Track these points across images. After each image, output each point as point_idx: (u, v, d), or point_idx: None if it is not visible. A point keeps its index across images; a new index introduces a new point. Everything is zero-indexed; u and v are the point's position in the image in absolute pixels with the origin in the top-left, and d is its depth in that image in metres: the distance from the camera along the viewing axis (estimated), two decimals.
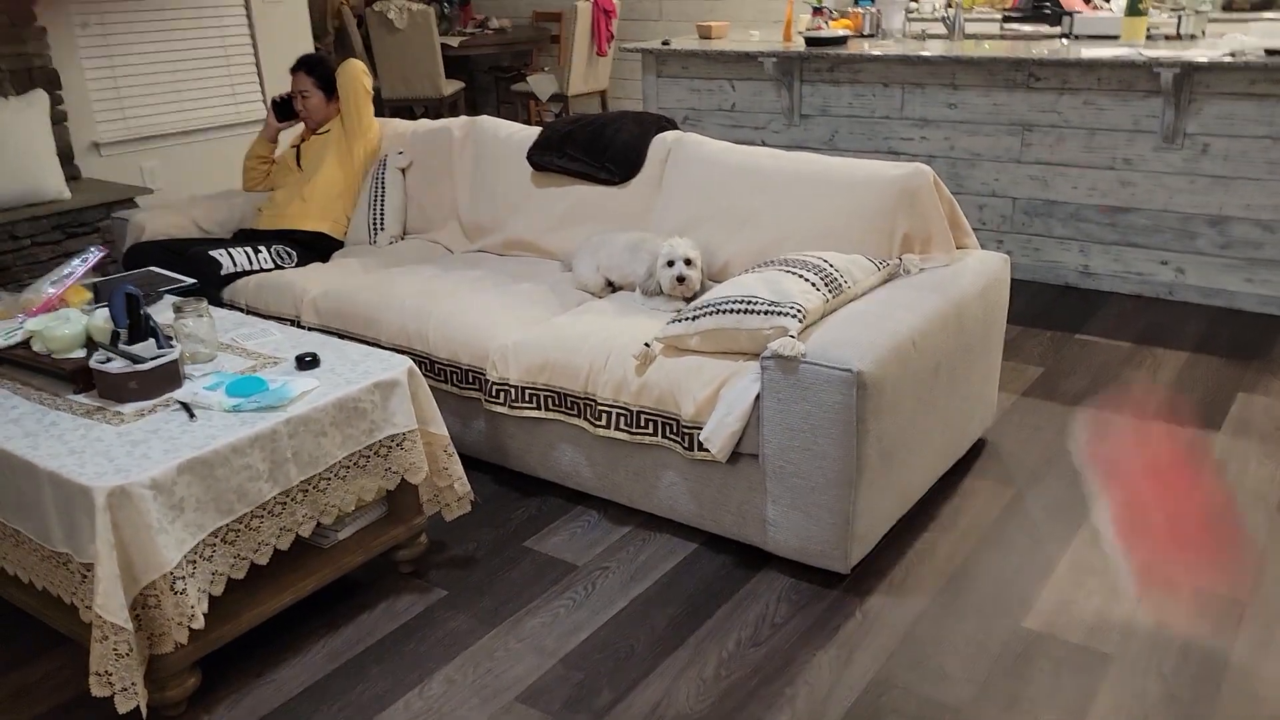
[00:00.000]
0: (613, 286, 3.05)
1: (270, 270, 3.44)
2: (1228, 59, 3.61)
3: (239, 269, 3.40)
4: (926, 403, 2.48)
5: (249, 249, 3.47)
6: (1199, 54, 3.75)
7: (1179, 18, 4.31)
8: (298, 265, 3.53)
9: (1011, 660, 2.11)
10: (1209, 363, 3.46)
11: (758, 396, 2.32)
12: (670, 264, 2.79)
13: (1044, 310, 4.02)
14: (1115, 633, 2.18)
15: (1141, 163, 3.98)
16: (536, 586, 2.41)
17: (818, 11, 4.90)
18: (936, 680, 2.06)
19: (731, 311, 2.38)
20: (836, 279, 2.50)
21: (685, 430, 2.41)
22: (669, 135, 3.25)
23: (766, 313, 2.33)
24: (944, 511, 2.66)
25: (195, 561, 1.95)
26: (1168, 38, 4.28)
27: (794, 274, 2.46)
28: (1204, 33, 4.30)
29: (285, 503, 2.12)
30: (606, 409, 2.54)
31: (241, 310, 3.33)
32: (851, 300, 2.54)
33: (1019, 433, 3.05)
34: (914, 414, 2.42)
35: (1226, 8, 5.19)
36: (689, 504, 2.52)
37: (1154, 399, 3.22)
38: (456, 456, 2.41)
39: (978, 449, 2.97)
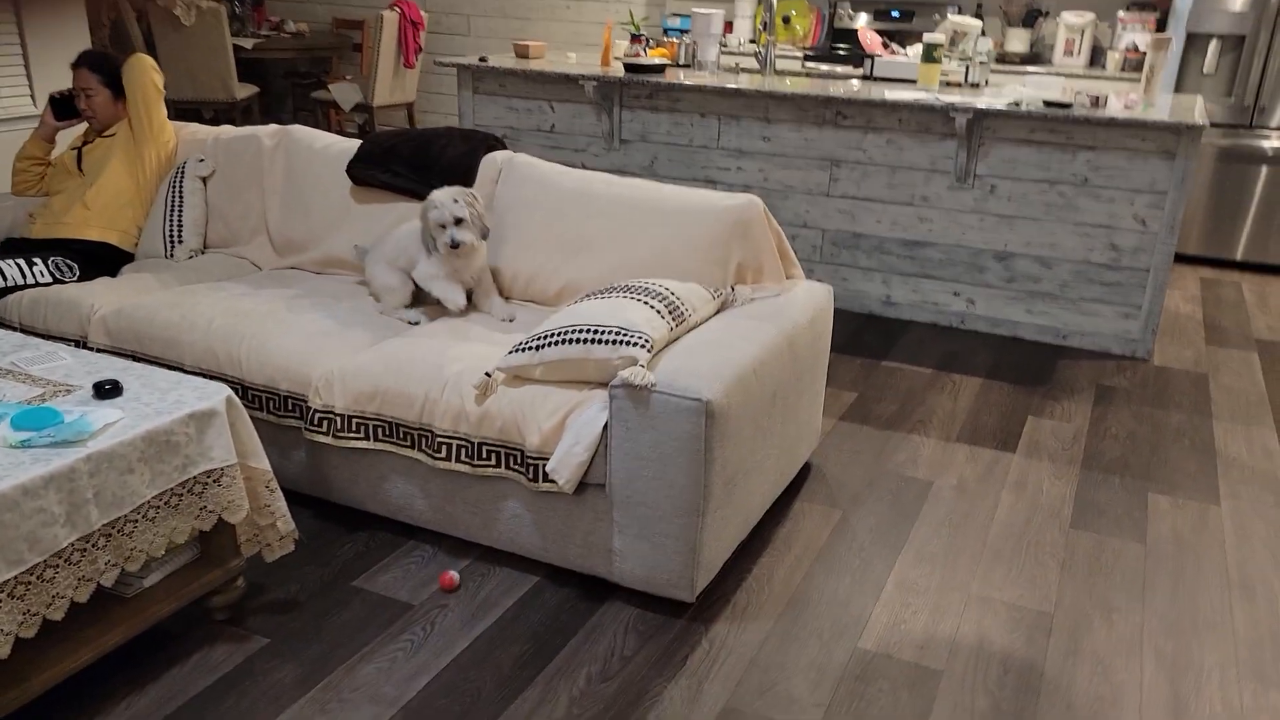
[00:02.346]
0: (414, 283, 2.92)
1: (48, 284, 3.09)
2: (1014, 108, 3.92)
3: (10, 283, 3.04)
4: (764, 430, 2.52)
5: (21, 260, 3.11)
6: (988, 101, 4.05)
7: (966, 67, 4.64)
8: (80, 279, 3.20)
9: (852, 681, 2.16)
10: (1000, 388, 3.72)
11: (605, 425, 2.28)
12: (443, 227, 2.73)
13: (853, 338, 4.20)
14: (943, 649, 2.27)
15: (938, 200, 4.25)
16: (370, 629, 2.26)
17: (636, 39, 4.95)
18: (785, 706, 2.08)
19: (578, 341, 2.33)
20: (679, 307, 2.51)
21: (530, 461, 2.34)
22: (499, 155, 3.17)
23: (615, 342, 2.30)
24: (778, 536, 2.71)
25: None
26: (957, 85, 4.61)
27: (639, 301, 2.44)
28: (987, 82, 4.65)
29: (85, 549, 1.88)
30: (445, 440, 2.42)
31: (15, 329, 2.97)
32: (692, 329, 2.55)
33: (840, 456, 3.16)
34: (754, 441, 2.46)
35: (1000, 60, 5.66)
36: (532, 536, 2.44)
37: (956, 423, 3.42)
38: (279, 492, 2.23)
39: (804, 473, 3.05)
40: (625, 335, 2.30)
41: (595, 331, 2.33)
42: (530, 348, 2.39)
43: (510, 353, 2.42)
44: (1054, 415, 3.51)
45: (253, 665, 2.13)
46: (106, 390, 2.09)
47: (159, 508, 2.01)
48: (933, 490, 2.97)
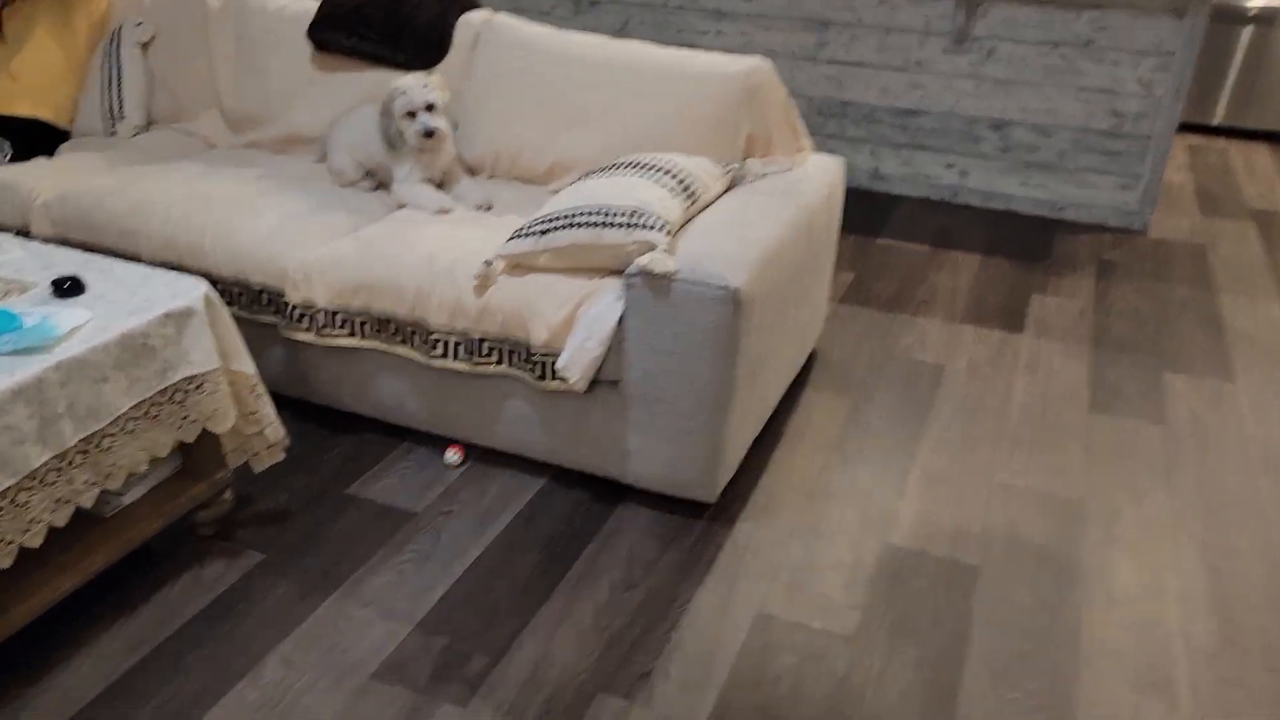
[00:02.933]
0: (373, 178, 2.69)
1: None
2: None
3: None
4: (783, 315, 2.36)
5: None
6: None
7: None
8: (12, 160, 2.88)
9: (888, 581, 2.07)
10: (1000, 265, 3.60)
11: (621, 318, 2.10)
12: (411, 115, 2.48)
13: (844, 214, 4.03)
14: (975, 542, 2.19)
15: (932, 64, 4.03)
16: (371, 540, 2.11)
17: None
18: (821, 609, 1.99)
19: (588, 225, 2.13)
20: (690, 185, 2.31)
21: (536, 358, 2.16)
22: (476, 16, 2.87)
23: (629, 225, 2.10)
24: (790, 428, 2.59)
25: None
26: None
27: (649, 179, 2.23)
28: None
29: (60, 468, 1.69)
30: (441, 336, 2.23)
31: None
32: (703, 208, 2.36)
33: (845, 341, 3.03)
34: (775, 327, 2.30)
35: None
36: (538, 436, 2.29)
37: (959, 302, 3.30)
38: (267, 397, 2.03)
39: (810, 360, 2.92)
40: (640, 218, 2.10)
41: (606, 214, 2.13)
42: (534, 233, 2.18)
43: (511, 239, 2.21)
44: (1058, 292, 3.40)
45: (250, 583, 1.98)
46: (67, 288, 1.86)
47: (138, 419, 1.81)
48: (944, 374, 2.86)
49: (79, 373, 1.69)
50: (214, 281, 2.42)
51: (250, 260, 2.38)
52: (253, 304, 2.40)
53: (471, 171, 2.81)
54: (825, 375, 2.83)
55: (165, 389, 1.85)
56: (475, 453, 2.42)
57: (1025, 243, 3.81)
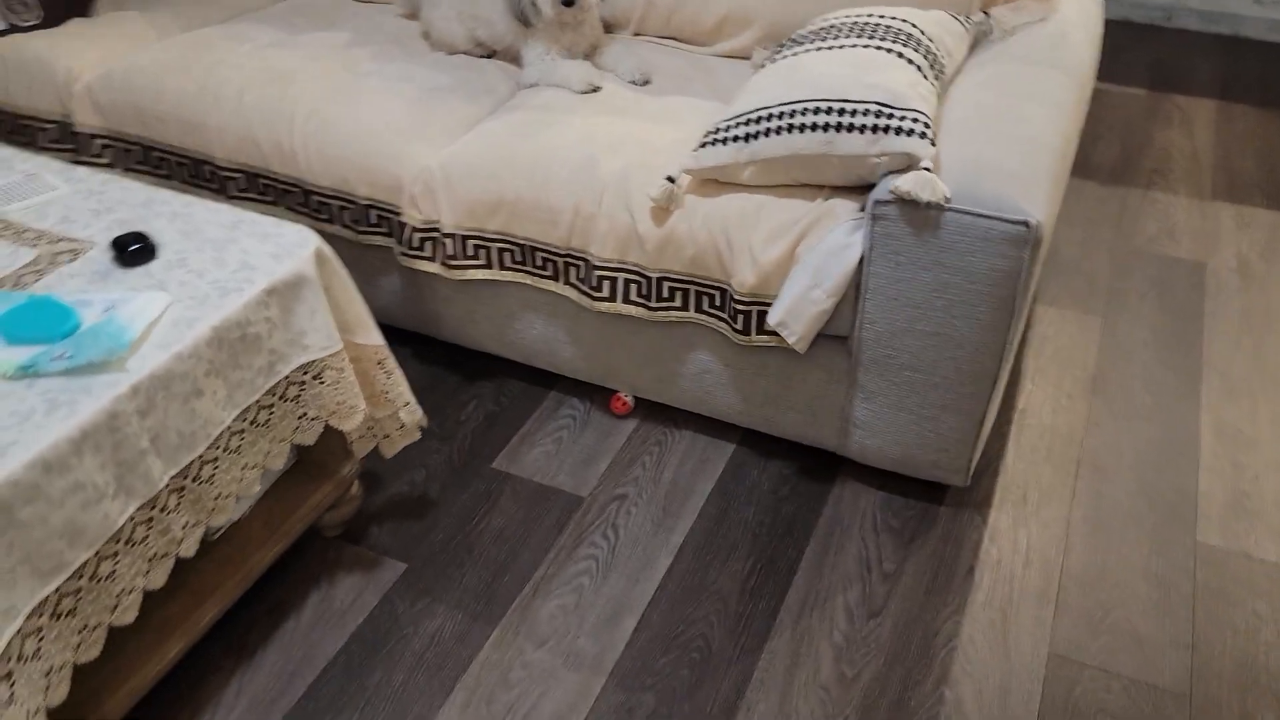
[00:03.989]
0: (485, 48, 2.11)
1: (1, 32, 2.23)
2: None
3: None
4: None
5: None
6: None
7: None
8: (42, 24, 2.33)
9: (1211, 601, 1.60)
10: (1245, 115, 2.91)
11: (861, 259, 1.56)
12: None
13: None
14: None
15: None
16: (535, 542, 1.68)
17: None
18: (1130, 647, 1.53)
19: (815, 127, 1.55)
20: (936, 56, 1.70)
21: (739, 307, 1.64)
22: None
23: (874, 129, 1.52)
24: (1029, 364, 2.06)
25: (8, 674, 1.10)
26: None
27: (890, 53, 1.63)
28: None
29: (151, 518, 1.25)
30: (609, 273, 1.71)
31: None
32: (949, 85, 1.76)
33: (1071, 230, 2.44)
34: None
35: None
36: (729, 397, 1.80)
37: (1204, 170, 2.66)
38: (399, 373, 1.56)
39: None
40: (890, 116, 1.52)
41: (841, 110, 1.54)
42: (735, 137, 1.61)
43: (703, 145, 1.65)
44: None
45: (393, 609, 1.57)
46: (134, 252, 1.36)
47: (243, 432, 1.35)
48: (1207, 276, 2.28)
49: (164, 391, 1.22)
50: (307, 192, 1.90)
51: (354, 166, 1.85)
52: (358, 222, 1.89)
53: (608, 28, 2.20)
54: (1060, 282, 2.27)
55: (274, 385, 1.38)
56: (642, 409, 1.94)
57: (1269, 81, 3.08)
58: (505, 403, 1.95)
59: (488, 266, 1.82)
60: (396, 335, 2.11)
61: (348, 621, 1.55)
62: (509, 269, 1.81)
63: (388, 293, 1.99)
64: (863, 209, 1.59)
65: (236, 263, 1.37)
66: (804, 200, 1.62)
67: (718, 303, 1.68)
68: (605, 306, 1.74)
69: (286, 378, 1.39)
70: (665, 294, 1.70)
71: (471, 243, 1.80)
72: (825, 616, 1.56)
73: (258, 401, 1.36)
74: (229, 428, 1.33)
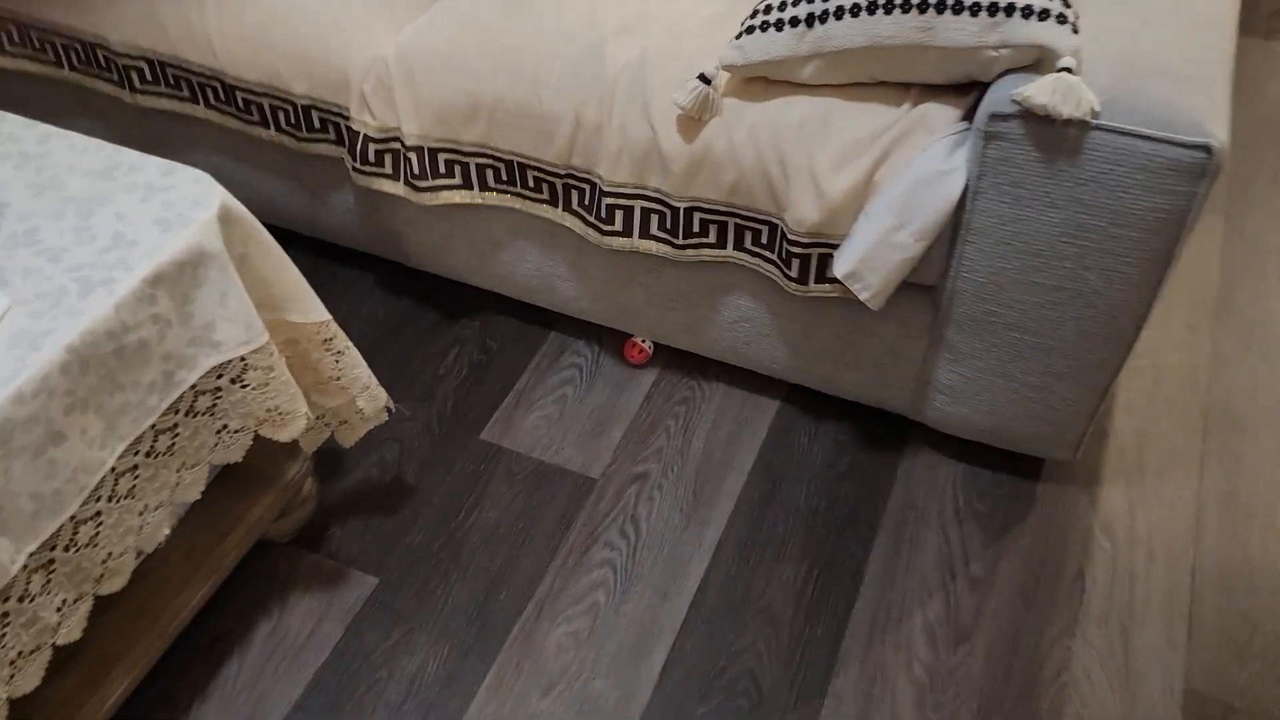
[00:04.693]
0: None
1: None
2: None
3: None
4: None
5: None
6: None
7: None
8: None
9: None
10: None
11: (965, 190, 1.16)
12: None
13: None
14: None
15: None
16: (535, 539, 1.35)
17: None
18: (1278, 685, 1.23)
19: (906, 6, 1.12)
20: None
21: (795, 249, 1.25)
22: None
23: (992, 8, 1.09)
24: None
25: None
26: None
27: None
28: None
29: (7, 612, 0.91)
30: (622, 201, 1.31)
31: None
32: None
33: None
34: None
35: None
36: (774, 349, 1.43)
37: None
38: (352, 352, 1.18)
39: None
40: None
41: None
42: (793, 19, 1.18)
43: (748, 30, 1.21)
44: None
45: (362, 642, 1.26)
46: None
47: (135, 469, 0.99)
48: None
49: (3, 446, 0.85)
50: (229, 87, 1.47)
51: (282, 55, 1.41)
52: (296, 127, 1.47)
53: None
54: None
55: (176, 402, 1.01)
56: (663, 355, 1.58)
57: None
58: (493, 348, 1.58)
59: (465, 187, 1.41)
60: (355, 260, 1.72)
61: (304, 662, 1.24)
62: (492, 189, 1.41)
63: (341, 211, 1.59)
64: (966, 118, 1.18)
65: (108, 236, 0.97)
66: (886, 106, 1.20)
67: (764, 240, 1.29)
68: (618, 243, 1.35)
69: (194, 387, 1.02)
70: (696, 228, 1.31)
71: (443, 157, 1.39)
72: (901, 643, 1.25)
73: (154, 426, 1.00)
74: (113, 469, 0.97)
